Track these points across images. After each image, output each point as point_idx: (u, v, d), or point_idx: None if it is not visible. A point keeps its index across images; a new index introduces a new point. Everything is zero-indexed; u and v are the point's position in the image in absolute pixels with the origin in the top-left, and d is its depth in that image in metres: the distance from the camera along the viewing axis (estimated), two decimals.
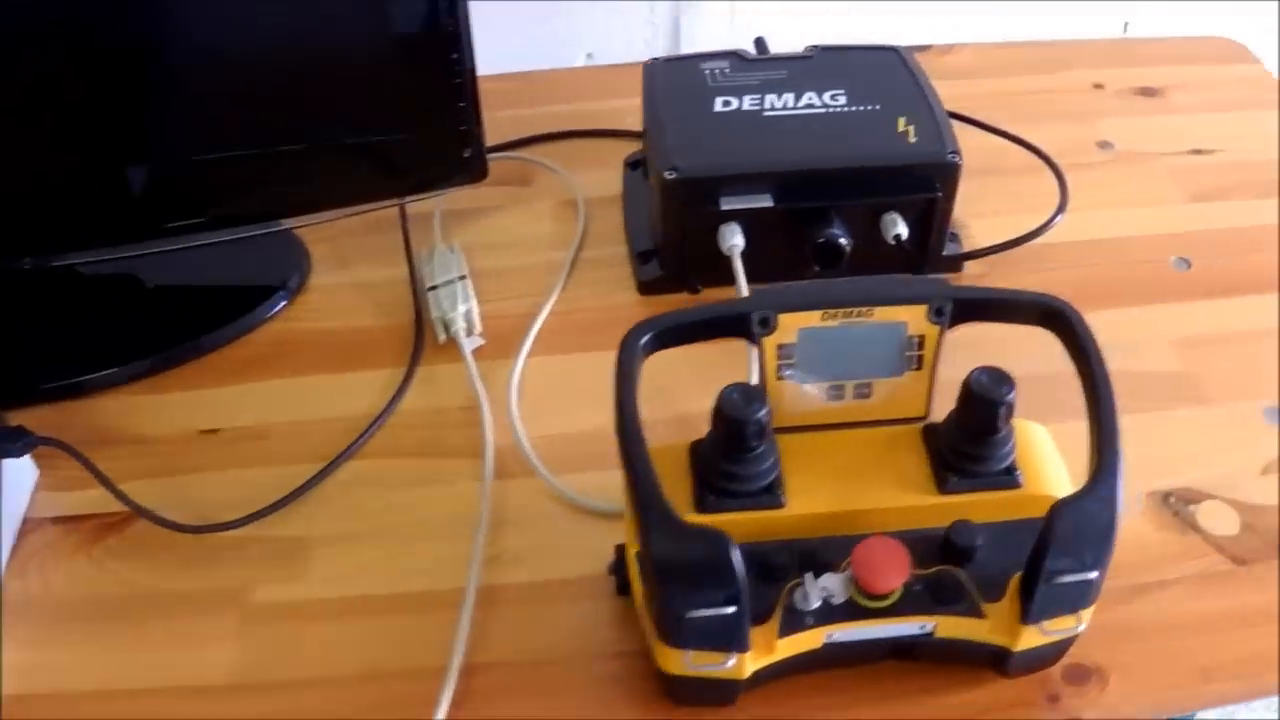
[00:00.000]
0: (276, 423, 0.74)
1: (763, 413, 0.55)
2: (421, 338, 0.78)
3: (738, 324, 0.58)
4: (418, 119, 0.76)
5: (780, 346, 0.58)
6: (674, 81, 0.82)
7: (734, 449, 0.57)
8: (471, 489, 0.69)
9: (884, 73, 0.83)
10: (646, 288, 0.81)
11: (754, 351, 0.58)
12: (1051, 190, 0.87)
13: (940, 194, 0.76)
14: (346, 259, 0.85)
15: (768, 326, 0.58)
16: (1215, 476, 0.71)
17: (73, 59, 0.68)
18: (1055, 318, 0.58)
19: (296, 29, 0.71)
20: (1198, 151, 0.95)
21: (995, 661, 0.58)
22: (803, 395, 0.60)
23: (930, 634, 0.57)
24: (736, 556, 0.51)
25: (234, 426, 0.74)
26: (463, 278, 0.79)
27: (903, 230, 0.77)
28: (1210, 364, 0.77)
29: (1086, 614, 0.56)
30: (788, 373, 0.59)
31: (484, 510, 0.68)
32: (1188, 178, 0.93)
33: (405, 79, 0.74)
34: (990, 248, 0.83)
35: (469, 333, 0.77)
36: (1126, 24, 1.10)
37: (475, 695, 0.60)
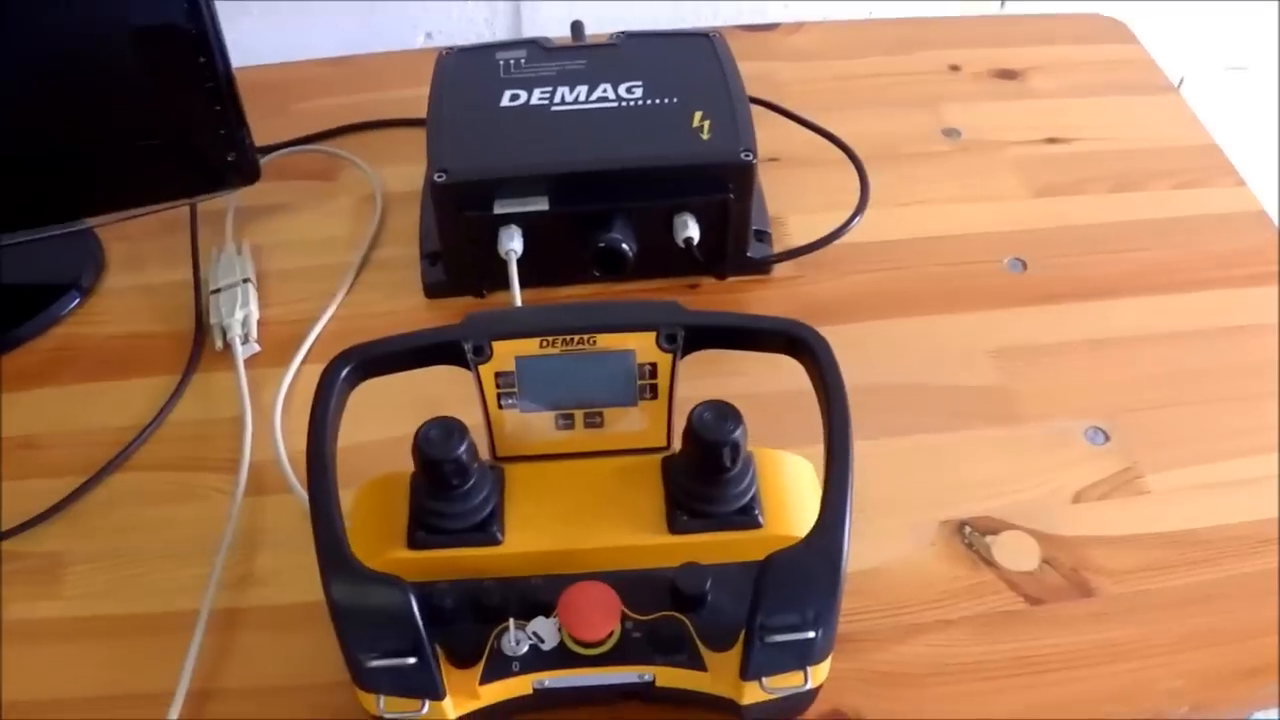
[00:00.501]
0: (50, 432, 0.72)
1: (463, 449, 0.52)
2: (201, 345, 0.75)
3: (450, 352, 0.54)
4: (174, 124, 0.72)
5: (499, 374, 0.55)
6: (464, 75, 0.77)
7: (437, 487, 0.53)
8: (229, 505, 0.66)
9: (691, 62, 0.77)
10: (432, 291, 0.77)
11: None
12: (882, 184, 0.80)
13: (733, 195, 0.71)
14: (142, 260, 0.82)
15: (483, 354, 0.54)
16: (1020, 504, 0.65)
17: None
18: (799, 346, 0.54)
19: (46, 35, 0.67)
20: (1052, 140, 0.89)
21: (734, 710, 0.54)
22: (528, 425, 0.57)
23: (651, 683, 0.54)
24: (414, 606, 0.48)
25: (7, 436, 0.71)
26: (246, 281, 0.76)
27: (694, 233, 0.72)
28: (1031, 378, 0.72)
29: (819, 669, 0.52)
30: (509, 401, 0.56)
31: (229, 529, 0.65)
32: (1036, 169, 0.87)
33: (156, 84, 0.70)
34: (796, 249, 0.77)
35: (245, 339, 0.74)
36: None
37: None
